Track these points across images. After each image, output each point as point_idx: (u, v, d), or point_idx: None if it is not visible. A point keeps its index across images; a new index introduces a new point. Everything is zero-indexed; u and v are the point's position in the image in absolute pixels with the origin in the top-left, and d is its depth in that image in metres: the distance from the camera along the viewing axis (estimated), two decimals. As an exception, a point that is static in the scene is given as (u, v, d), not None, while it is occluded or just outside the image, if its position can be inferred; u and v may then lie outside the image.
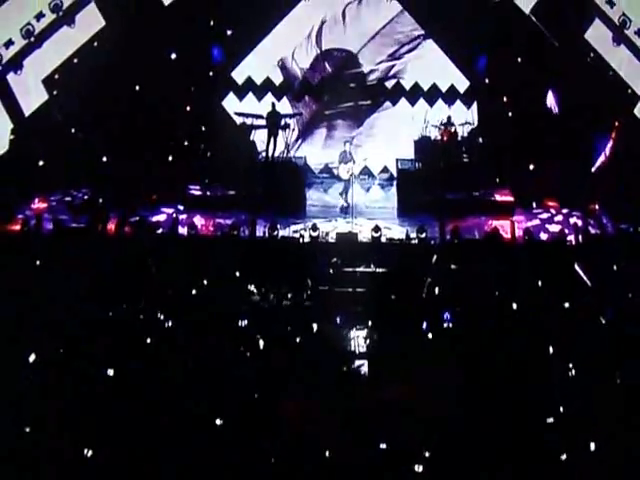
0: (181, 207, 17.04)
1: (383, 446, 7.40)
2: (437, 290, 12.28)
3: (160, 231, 15.25)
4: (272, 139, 18.44)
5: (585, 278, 13.15)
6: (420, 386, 7.90)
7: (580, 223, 16.29)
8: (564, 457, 7.47)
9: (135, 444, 7.37)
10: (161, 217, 16.57)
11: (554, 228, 16.62)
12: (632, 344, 10.55)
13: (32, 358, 9.14)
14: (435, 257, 13.46)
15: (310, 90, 20.85)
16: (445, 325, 11.19)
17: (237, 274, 12.80)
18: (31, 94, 18.96)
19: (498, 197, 17.85)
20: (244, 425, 7.68)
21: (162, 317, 10.87)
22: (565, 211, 17.52)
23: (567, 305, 11.46)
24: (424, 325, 10.75)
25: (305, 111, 20.73)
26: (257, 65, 20.50)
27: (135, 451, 7.32)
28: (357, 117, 20.80)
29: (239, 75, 20.46)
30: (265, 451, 7.27)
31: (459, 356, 9.12)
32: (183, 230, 15.43)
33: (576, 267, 13.44)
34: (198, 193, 17.76)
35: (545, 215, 17.52)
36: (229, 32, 19.86)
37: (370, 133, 20.71)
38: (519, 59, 20.21)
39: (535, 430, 7.79)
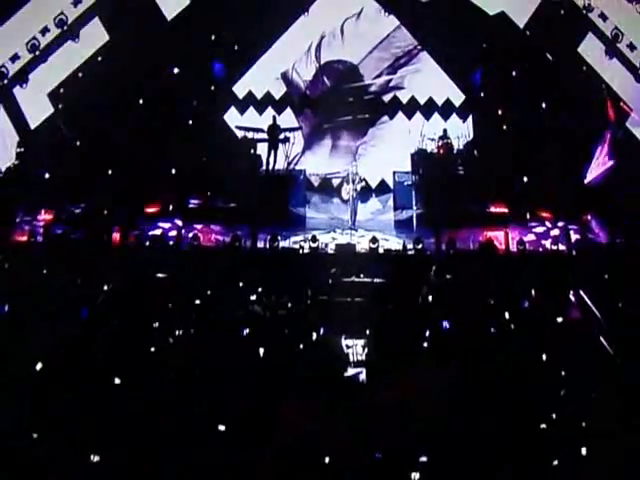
0: (181, 220, 17.11)
1: (381, 452, 7.38)
2: (433, 300, 12.45)
3: (164, 243, 15.46)
4: (272, 152, 18.69)
5: (579, 288, 13.33)
6: (417, 393, 7.97)
7: (574, 234, 16.48)
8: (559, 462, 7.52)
9: (136, 449, 7.39)
10: (159, 231, 16.69)
11: (548, 239, 16.81)
12: (626, 350, 10.81)
13: (38, 366, 9.37)
14: (434, 268, 13.66)
15: (311, 103, 21.11)
16: (441, 334, 11.27)
17: (239, 284, 12.98)
18: (36, 107, 19.25)
19: (493, 209, 18.14)
20: (244, 432, 7.76)
21: (165, 326, 11.03)
22: (561, 224, 17.67)
23: (561, 313, 11.63)
24: (421, 334, 10.88)
25: (306, 124, 20.94)
26: (258, 79, 20.75)
27: (135, 455, 7.37)
28: (358, 129, 21.01)
29: (240, 89, 20.73)
30: (265, 456, 7.35)
31: (456, 365, 9.23)
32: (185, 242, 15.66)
33: (570, 277, 13.65)
34: (199, 206, 17.96)
35: (541, 229, 17.65)
36: (230, 47, 20.14)
37: (368, 145, 20.97)
38: (514, 73, 20.61)
39: (530, 439, 7.83)
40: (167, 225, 16.87)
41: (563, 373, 9.31)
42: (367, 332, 11.49)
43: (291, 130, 19.28)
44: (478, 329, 10.78)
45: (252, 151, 18.78)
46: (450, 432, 7.41)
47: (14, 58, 19.04)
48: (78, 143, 18.75)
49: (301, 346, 10.16)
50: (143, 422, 7.73)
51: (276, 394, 8.15)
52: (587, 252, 15.46)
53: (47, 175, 17.71)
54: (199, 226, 16.77)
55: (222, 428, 7.72)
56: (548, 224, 17.66)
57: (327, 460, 7.03)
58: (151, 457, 7.32)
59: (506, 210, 18.06)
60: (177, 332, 10.67)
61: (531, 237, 16.84)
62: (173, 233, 16.25)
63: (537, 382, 8.89)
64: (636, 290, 12.28)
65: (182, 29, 19.82)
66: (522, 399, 8.26)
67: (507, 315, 11.36)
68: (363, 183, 18.26)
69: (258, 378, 8.82)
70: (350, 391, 8.80)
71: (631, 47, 20.37)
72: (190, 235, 15.86)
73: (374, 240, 15.62)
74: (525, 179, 19.72)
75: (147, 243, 15.41)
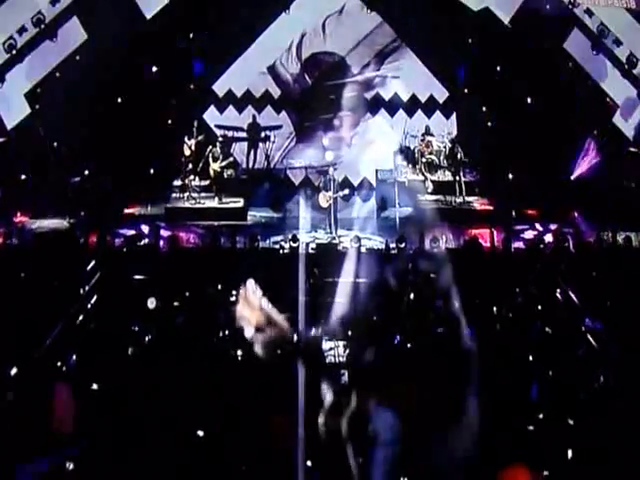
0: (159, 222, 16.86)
1: (367, 458, 7.30)
2: (416, 299, 12.31)
3: (142, 243, 15.26)
4: (252, 151, 18.54)
5: (564, 286, 13.24)
6: (402, 396, 7.86)
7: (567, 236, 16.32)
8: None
9: (117, 457, 7.30)
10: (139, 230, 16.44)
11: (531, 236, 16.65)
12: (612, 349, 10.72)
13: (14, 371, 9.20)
14: (417, 267, 13.52)
15: (295, 99, 20.81)
16: (426, 335, 11.15)
17: (218, 285, 12.82)
18: (13, 108, 18.99)
19: (477, 206, 17.90)
20: (225, 437, 7.63)
21: (144, 328, 10.88)
22: (554, 227, 17.37)
23: (546, 311, 11.56)
24: (404, 335, 10.76)
25: (288, 122, 20.59)
26: (238, 78, 20.43)
27: (117, 466, 7.25)
28: (346, 124, 20.55)
29: (220, 88, 20.42)
30: (248, 464, 7.22)
31: (440, 365, 9.12)
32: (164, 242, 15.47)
33: (555, 275, 13.56)
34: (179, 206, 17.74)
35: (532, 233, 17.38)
36: (210, 45, 19.98)
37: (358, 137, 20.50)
38: (498, 69, 20.46)
39: (520, 436, 7.75)
40: (145, 227, 16.62)
41: (549, 371, 9.25)
42: (349, 333, 11.32)
43: (272, 129, 19.06)
44: (464, 328, 10.69)
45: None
46: (438, 435, 7.24)
47: (-10, 58, 18.76)
48: (55, 144, 18.51)
49: (281, 348, 9.98)
50: (120, 427, 7.56)
51: (256, 397, 8.02)
52: (574, 249, 15.28)
53: (23, 176, 17.52)
54: (176, 228, 16.45)
55: (201, 433, 7.57)
56: (539, 227, 17.39)
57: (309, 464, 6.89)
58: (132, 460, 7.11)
59: (491, 207, 17.85)
60: (156, 335, 10.57)
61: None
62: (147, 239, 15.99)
63: (525, 380, 8.86)
64: (624, 288, 12.25)
65: (161, 28, 19.60)
66: (509, 399, 8.14)
67: (493, 313, 11.29)
68: (346, 191, 17.58)
69: (238, 380, 8.68)
70: (332, 393, 8.67)
71: (617, 42, 20.18)
72: (167, 236, 15.65)
73: (356, 239, 15.38)
74: (510, 176, 19.63)
75: (125, 245, 15.17)
